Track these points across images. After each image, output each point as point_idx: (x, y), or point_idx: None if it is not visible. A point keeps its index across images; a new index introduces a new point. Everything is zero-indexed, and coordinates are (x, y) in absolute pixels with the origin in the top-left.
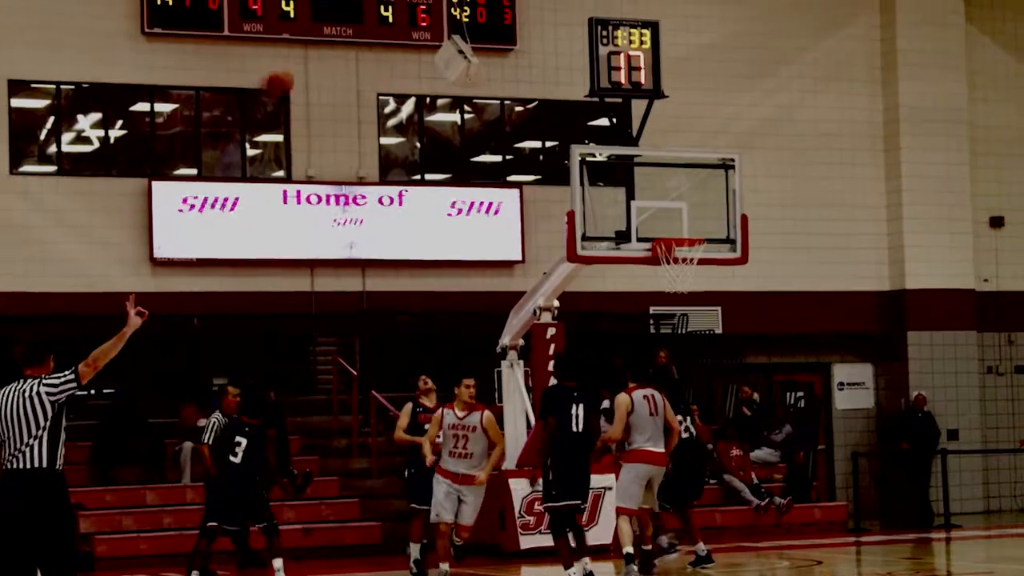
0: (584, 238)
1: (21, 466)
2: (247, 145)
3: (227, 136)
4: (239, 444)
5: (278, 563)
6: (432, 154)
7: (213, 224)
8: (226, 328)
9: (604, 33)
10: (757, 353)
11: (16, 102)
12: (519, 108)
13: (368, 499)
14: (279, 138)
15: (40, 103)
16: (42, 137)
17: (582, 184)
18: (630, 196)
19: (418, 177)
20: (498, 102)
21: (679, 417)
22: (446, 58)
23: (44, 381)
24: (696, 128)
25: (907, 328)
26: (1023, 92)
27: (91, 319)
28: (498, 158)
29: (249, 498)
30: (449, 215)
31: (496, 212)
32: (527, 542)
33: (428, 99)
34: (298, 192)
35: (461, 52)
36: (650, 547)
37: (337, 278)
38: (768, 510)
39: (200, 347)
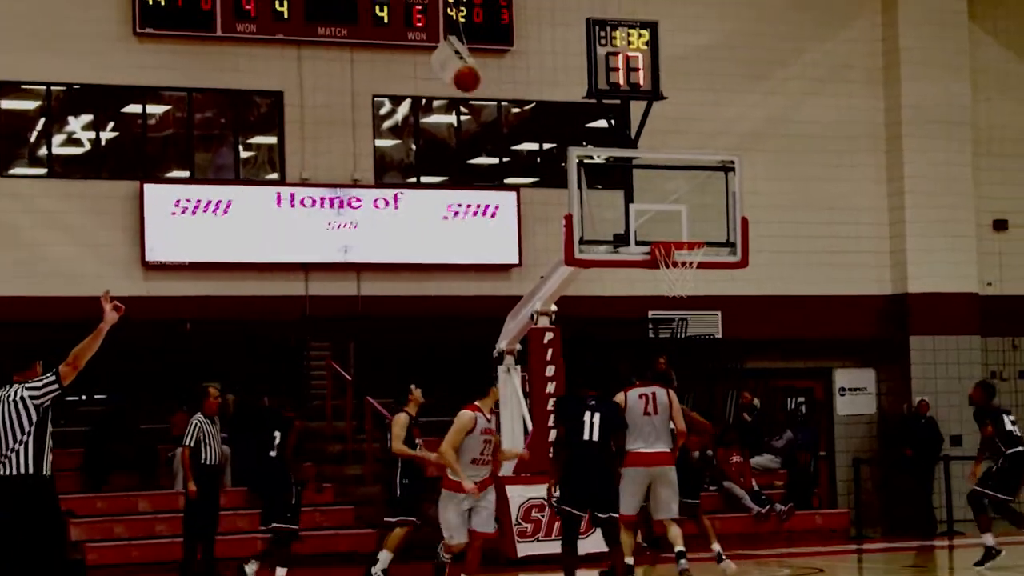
0: (582, 241)
1: (8, 472)
2: (240, 147)
3: (220, 138)
4: (275, 438)
5: (281, 572)
6: (428, 156)
7: (206, 227)
8: (219, 333)
9: (602, 33)
10: (757, 358)
11: (6, 103)
12: (516, 110)
13: (362, 506)
14: (273, 140)
15: (30, 104)
16: (32, 139)
17: (580, 187)
18: (629, 199)
19: (414, 180)
20: (495, 103)
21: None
22: (442, 59)
23: (27, 385)
24: (695, 130)
25: (909, 333)
26: None
27: (83, 323)
28: (495, 160)
29: (286, 495)
30: (445, 218)
31: (493, 215)
32: (524, 549)
33: (424, 100)
34: (292, 195)
35: (457, 53)
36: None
37: (332, 282)
38: (769, 517)
39: (192, 352)
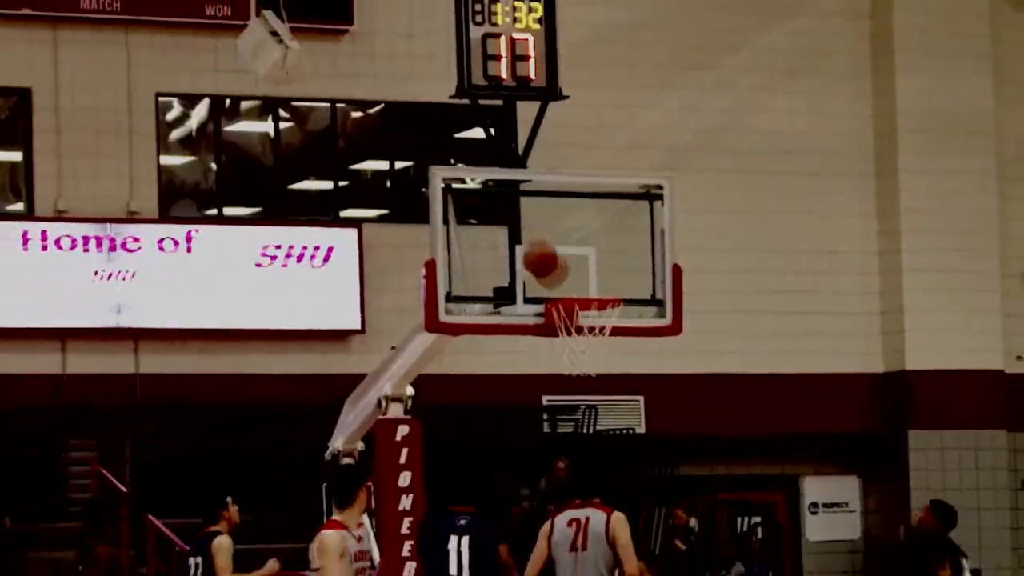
0: (449, 299)
1: None
2: None
3: None
4: None
5: None
6: (234, 179)
7: None
8: None
9: (478, 7)
10: (695, 462)
11: None
12: (357, 113)
13: None
14: (17, 156)
15: None
16: None
17: (446, 222)
18: (515, 239)
19: (214, 212)
20: (327, 105)
21: None
22: (254, 43)
23: None
24: (609, 142)
25: (909, 426)
26: None
27: None
28: (328, 185)
29: None
30: (259, 265)
31: (325, 260)
32: None
33: (228, 101)
34: (44, 232)
35: (275, 34)
36: None
37: (99, 355)
38: None
39: None
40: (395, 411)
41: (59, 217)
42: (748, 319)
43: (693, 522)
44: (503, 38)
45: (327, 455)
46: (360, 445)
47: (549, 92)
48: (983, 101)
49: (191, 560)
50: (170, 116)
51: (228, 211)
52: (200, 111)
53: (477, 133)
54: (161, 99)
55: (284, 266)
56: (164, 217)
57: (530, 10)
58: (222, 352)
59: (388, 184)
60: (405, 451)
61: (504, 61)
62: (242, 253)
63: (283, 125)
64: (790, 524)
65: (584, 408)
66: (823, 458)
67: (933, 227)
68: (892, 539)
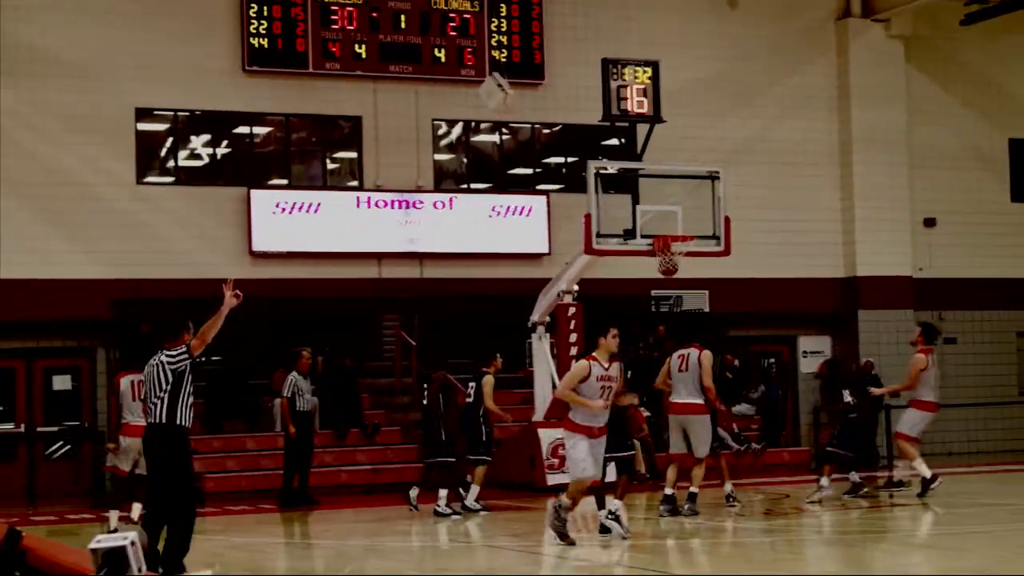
0: (598, 235)
1: (150, 420)
2: (327, 160)
3: (311, 153)
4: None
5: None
6: (476, 168)
7: (300, 224)
8: (310, 307)
9: (615, 70)
10: (738, 328)
11: (143, 125)
12: (546, 131)
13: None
14: (354, 155)
15: (162, 127)
16: (163, 154)
17: (597, 192)
18: (635, 201)
19: (465, 186)
20: (529, 126)
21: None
22: (488, 90)
23: (166, 352)
24: (689, 147)
25: (858, 307)
26: (951, 118)
27: (203, 300)
28: (529, 171)
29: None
30: (490, 217)
31: (528, 214)
32: (553, 479)
33: (473, 123)
34: (368, 198)
35: (500, 86)
36: (672, 492)
37: (400, 267)
38: (747, 454)
39: (290, 323)
40: (567, 299)
41: (377, 189)
42: (767, 247)
43: (736, 362)
44: (629, 87)
45: (529, 324)
46: (547, 318)
47: (655, 118)
48: (900, 124)
49: (470, 386)
50: (440, 132)
51: (473, 186)
52: (457, 129)
53: (614, 142)
54: (435, 122)
55: (504, 217)
56: (437, 189)
57: (644, 72)
58: (470, 266)
59: (564, 171)
60: (573, 322)
61: (630, 101)
62: (481, 210)
63: (504, 137)
64: (791, 363)
65: (674, 297)
66: (810, 326)
67: (872, 195)
68: (849, 371)
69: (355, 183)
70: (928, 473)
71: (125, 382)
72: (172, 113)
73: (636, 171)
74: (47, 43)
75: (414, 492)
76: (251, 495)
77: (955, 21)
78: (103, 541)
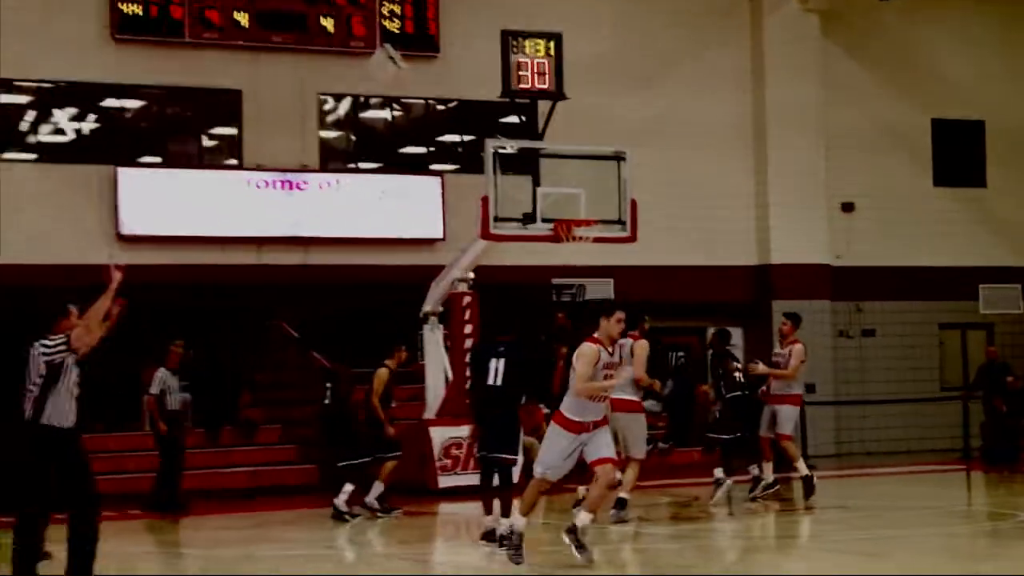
0: (496, 219)
1: (22, 409)
2: (204, 137)
3: (186, 129)
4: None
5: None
6: (365, 146)
7: (173, 206)
8: (183, 296)
9: (515, 43)
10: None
11: (0, 98)
12: (441, 107)
13: (306, 446)
14: (233, 131)
15: (23, 99)
16: (24, 128)
17: (495, 173)
18: (536, 183)
19: (353, 166)
20: (423, 101)
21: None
22: (378, 63)
23: (42, 342)
24: (593, 126)
25: (772, 297)
26: (870, 98)
27: (63, 288)
28: (423, 150)
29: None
30: (380, 199)
31: (420, 196)
32: (445, 482)
33: (362, 98)
34: (248, 178)
35: (391, 58)
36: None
37: (282, 253)
38: (652, 454)
39: (161, 312)
40: (462, 287)
41: (258, 168)
42: (676, 232)
43: None
44: (530, 62)
45: (421, 314)
46: (440, 308)
47: (557, 95)
48: (816, 104)
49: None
50: (326, 107)
51: (362, 165)
52: (345, 104)
53: (513, 119)
54: (321, 96)
55: (396, 199)
56: (323, 168)
57: (546, 45)
58: (358, 252)
59: (459, 150)
60: (468, 311)
61: (530, 76)
62: (371, 191)
63: (396, 113)
64: (701, 356)
65: (576, 286)
66: (721, 316)
67: (787, 178)
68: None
69: (234, 162)
70: (807, 472)
71: None
72: (34, 84)
73: (537, 151)
74: None
75: (342, 499)
76: (116, 499)
77: None
78: None
